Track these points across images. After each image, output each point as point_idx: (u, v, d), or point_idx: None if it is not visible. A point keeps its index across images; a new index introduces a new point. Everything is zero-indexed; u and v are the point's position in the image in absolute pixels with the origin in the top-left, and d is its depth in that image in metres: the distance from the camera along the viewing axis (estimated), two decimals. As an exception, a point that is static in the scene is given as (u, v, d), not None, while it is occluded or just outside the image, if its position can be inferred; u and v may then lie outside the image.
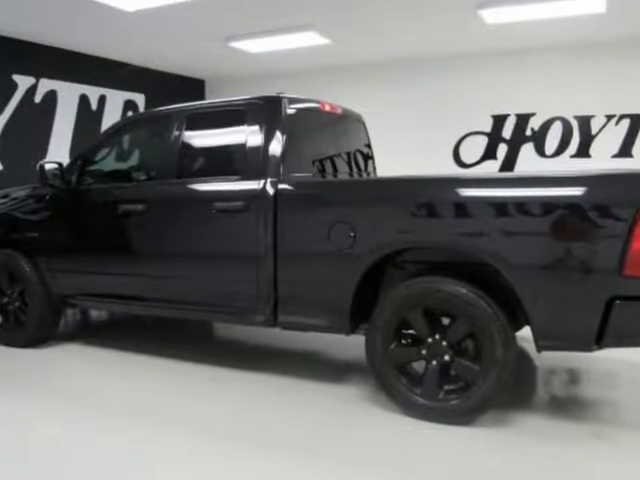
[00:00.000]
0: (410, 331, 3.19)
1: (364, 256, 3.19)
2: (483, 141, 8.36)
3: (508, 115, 8.19)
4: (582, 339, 2.82)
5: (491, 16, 6.24)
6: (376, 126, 5.35)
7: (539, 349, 2.93)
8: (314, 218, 3.39)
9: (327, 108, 4.15)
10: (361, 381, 3.72)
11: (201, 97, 10.02)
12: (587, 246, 2.73)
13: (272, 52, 7.84)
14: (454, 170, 8.30)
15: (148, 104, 9.10)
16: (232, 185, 3.65)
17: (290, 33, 6.94)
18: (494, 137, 8.30)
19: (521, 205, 2.84)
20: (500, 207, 2.88)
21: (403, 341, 3.22)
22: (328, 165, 4.11)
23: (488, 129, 8.31)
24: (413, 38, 7.36)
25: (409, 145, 8.35)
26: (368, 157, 4.75)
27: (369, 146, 4.79)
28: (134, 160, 4.56)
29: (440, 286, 3.04)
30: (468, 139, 8.40)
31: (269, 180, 3.50)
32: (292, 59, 8.32)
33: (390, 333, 3.16)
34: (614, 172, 2.93)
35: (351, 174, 4.43)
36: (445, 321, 3.14)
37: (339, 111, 4.30)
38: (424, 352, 3.10)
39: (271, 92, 3.79)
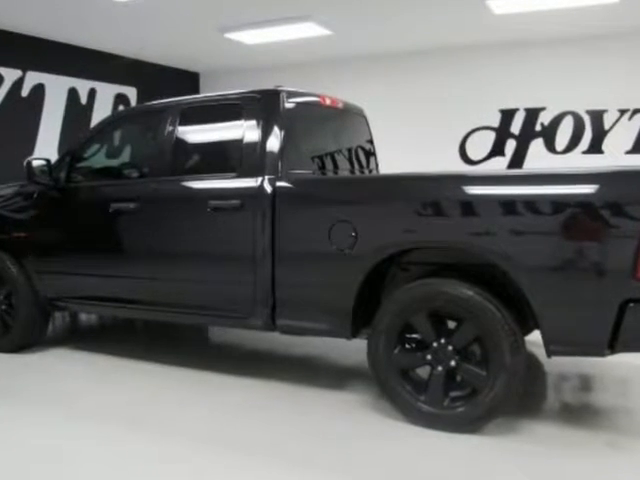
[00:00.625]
0: (414, 335, 3.13)
1: (366, 257, 3.13)
2: (491, 137, 8.22)
3: (517, 109, 8.03)
4: (594, 343, 2.76)
5: (499, 6, 6.15)
6: (378, 121, 5.27)
7: (549, 354, 2.85)
8: (314, 217, 3.33)
9: (327, 102, 4.08)
10: (363, 387, 3.66)
11: (195, 91, 9.94)
12: (599, 246, 2.69)
13: (269, 43, 7.75)
14: (460, 167, 8.19)
15: (140, 98, 8.97)
16: (228, 183, 3.59)
17: (288, 24, 6.83)
18: (502, 132, 8.16)
19: (530, 203, 2.78)
20: (508, 206, 2.83)
21: (407, 346, 3.16)
22: (328, 162, 4.04)
23: (496, 124, 8.16)
24: (417, 29, 7.26)
25: (413, 141, 8.26)
26: (370, 153, 4.69)
27: (371, 142, 4.73)
28: (125, 156, 4.52)
29: (446, 288, 2.98)
30: (475, 135, 8.27)
31: (267, 177, 3.44)
32: (290, 51, 8.22)
33: (393, 337, 3.09)
34: (627, 169, 2.87)
35: (352, 171, 4.37)
36: (451, 325, 3.07)
37: (340, 105, 4.25)
38: (429, 357, 3.04)
39: (269, 85, 3.72)
